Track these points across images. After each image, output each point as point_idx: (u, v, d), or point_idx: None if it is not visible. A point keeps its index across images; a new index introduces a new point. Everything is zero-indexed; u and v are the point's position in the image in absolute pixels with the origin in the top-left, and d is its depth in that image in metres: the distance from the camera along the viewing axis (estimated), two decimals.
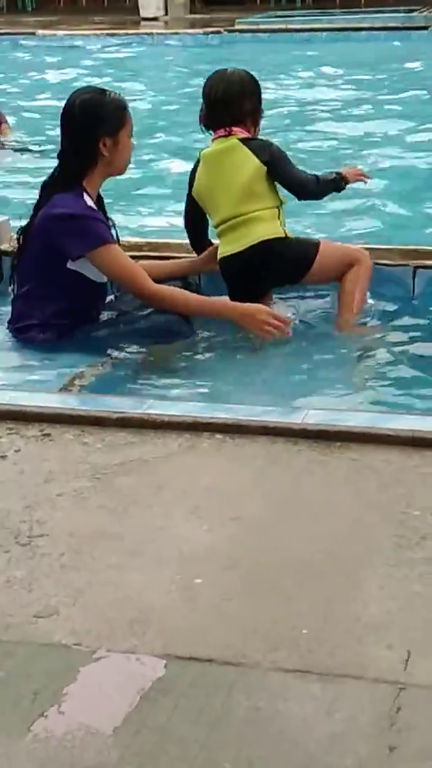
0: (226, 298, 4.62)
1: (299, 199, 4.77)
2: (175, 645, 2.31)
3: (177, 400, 3.82)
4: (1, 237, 5.20)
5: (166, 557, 2.64)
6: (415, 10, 18.05)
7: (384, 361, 4.38)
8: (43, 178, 4.54)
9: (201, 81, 4.85)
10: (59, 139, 4.48)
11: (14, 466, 3.12)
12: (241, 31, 17.24)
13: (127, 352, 4.41)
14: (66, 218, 4.30)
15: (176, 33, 17.55)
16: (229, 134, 4.65)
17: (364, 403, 3.94)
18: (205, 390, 4.11)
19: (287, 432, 3.23)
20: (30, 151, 8.89)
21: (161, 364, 4.37)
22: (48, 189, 4.41)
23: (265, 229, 4.61)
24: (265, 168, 4.60)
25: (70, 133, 4.40)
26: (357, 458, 3.10)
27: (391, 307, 4.77)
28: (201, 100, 4.77)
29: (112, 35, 17.31)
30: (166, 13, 19.60)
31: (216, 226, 4.73)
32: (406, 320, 4.67)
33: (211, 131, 4.72)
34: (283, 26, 17.30)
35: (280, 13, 18.98)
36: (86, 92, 4.49)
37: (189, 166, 4.89)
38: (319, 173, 4.76)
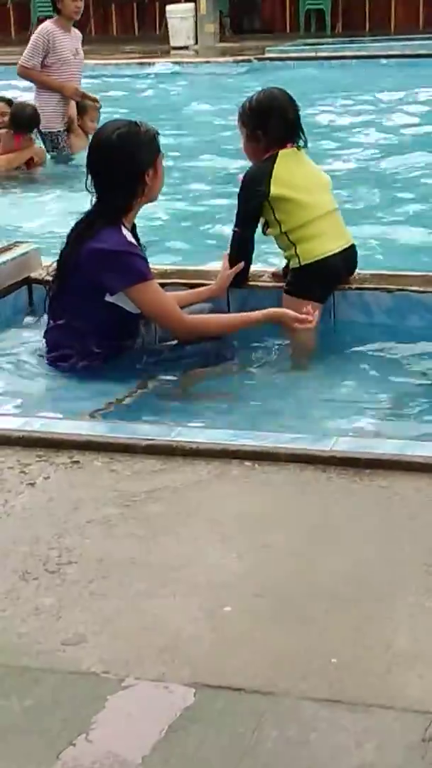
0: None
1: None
2: (204, 673, 2.30)
3: (205, 428, 3.82)
4: (32, 265, 5.23)
5: (194, 585, 2.63)
6: None
7: (414, 387, 4.36)
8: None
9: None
10: (90, 172, 4.47)
11: (43, 494, 3.13)
12: (271, 59, 17.33)
13: (160, 379, 4.43)
14: (109, 254, 4.33)
15: (207, 61, 17.66)
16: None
17: (393, 430, 3.93)
18: (234, 417, 4.11)
19: (316, 459, 3.22)
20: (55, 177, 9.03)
21: (193, 390, 4.37)
22: (89, 222, 4.41)
23: (347, 232, 4.94)
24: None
25: (112, 168, 4.38)
26: (386, 486, 3.09)
27: (420, 333, 4.75)
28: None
29: (142, 64, 17.44)
30: (196, 42, 19.74)
31: (301, 225, 4.77)
32: None
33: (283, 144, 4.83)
34: (312, 54, 17.38)
35: (309, 41, 19.08)
36: (121, 126, 4.47)
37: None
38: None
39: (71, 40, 9.42)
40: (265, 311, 4.53)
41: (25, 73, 9.44)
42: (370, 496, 3.05)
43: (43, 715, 2.19)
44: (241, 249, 4.89)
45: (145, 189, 4.42)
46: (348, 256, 4.87)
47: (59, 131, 9.43)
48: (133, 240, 4.45)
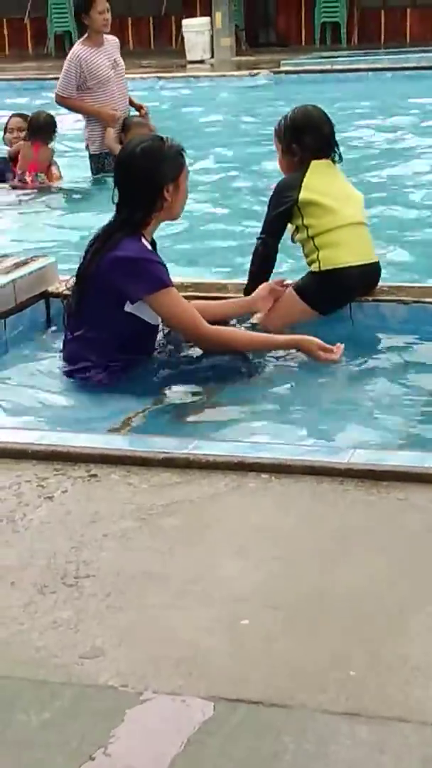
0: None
1: None
2: (222, 686, 2.30)
3: (222, 440, 3.82)
4: (49, 279, 5.25)
5: (212, 597, 2.63)
6: None
7: (429, 399, 4.35)
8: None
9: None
10: (116, 185, 4.51)
11: (61, 507, 3.13)
12: (286, 72, 17.37)
13: (179, 391, 4.43)
14: (128, 261, 4.36)
15: (223, 75, 17.71)
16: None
17: (410, 442, 3.92)
18: (251, 429, 4.11)
19: (333, 471, 3.22)
20: (69, 192, 9.02)
21: (210, 402, 4.38)
22: (109, 235, 4.44)
23: (374, 249, 5.02)
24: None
25: (133, 181, 4.44)
26: (403, 498, 3.08)
27: None
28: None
29: (159, 78, 17.50)
30: (212, 56, 19.80)
31: (328, 231, 4.84)
32: None
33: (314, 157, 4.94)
34: (328, 66, 17.41)
35: (325, 54, 19.11)
36: (145, 140, 4.55)
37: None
38: None
39: (106, 55, 8.96)
40: (292, 336, 4.54)
41: (62, 102, 9.11)
42: (387, 508, 3.04)
43: (62, 729, 2.20)
44: (263, 257, 4.95)
45: (164, 204, 4.44)
46: (368, 273, 4.88)
47: (107, 153, 9.00)
48: (152, 250, 4.48)
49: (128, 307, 4.41)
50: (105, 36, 8.99)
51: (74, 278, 4.56)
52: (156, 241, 4.61)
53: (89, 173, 9.32)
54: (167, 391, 4.43)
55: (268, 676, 2.33)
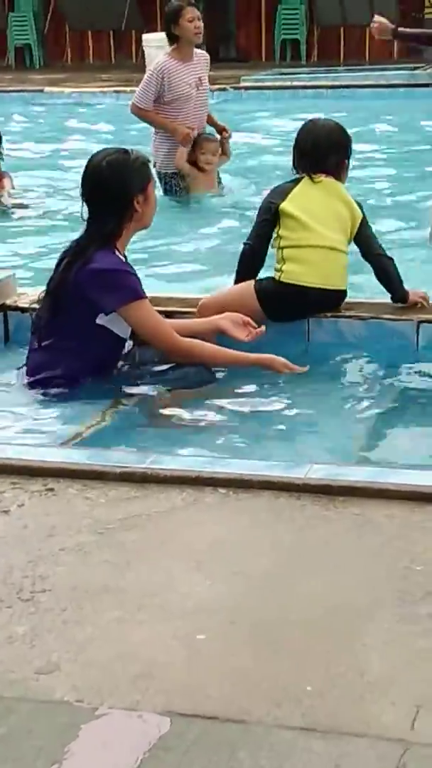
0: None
1: (376, 264, 4.96)
2: (178, 701, 2.30)
3: (180, 455, 3.82)
4: (8, 292, 5.23)
5: (169, 612, 2.63)
6: (419, 68, 18.26)
7: (387, 415, 4.38)
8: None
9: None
10: (84, 200, 4.51)
11: (18, 521, 3.12)
12: (246, 88, 17.42)
13: (139, 405, 4.43)
14: (102, 273, 4.38)
15: None
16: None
17: (367, 458, 3.94)
18: (210, 443, 4.11)
19: (290, 487, 3.23)
20: (24, 207, 8.86)
21: (169, 415, 4.38)
22: (82, 248, 4.45)
23: (343, 277, 4.94)
24: (360, 220, 4.91)
25: (102, 194, 4.46)
26: (360, 513, 3.10)
27: (394, 361, 4.77)
28: None
29: (119, 92, 17.50)
30: None
31: (296, 246, 4.87)
32: (410, 375, 4.68)
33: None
34: (288, 83, 17.48)
35: (285, 70, 19.20)
36: (111, 153, 4.56)
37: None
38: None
39: (192, 71, 8.34)
40: (258, 356, 4.55)
41: (137, 113, 8.49)
42: (344, 523, 3.06)
43: (17, 745, 2.18)
44: (246, 263, 4.99)
45: (135, 215, 4.47)
46: (327, 297, 4.88)
47: (173, 173, 8.47)
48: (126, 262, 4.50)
49: (100, 320, 4.42)
50: (196, 51, 8.48)
51: (44, 291, 4.56)
52: (126, 254, 4.61)
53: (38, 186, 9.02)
54: (126, 405, 4.42)
55: (225, 692, 2.33)
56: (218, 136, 8.63)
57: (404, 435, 4.18)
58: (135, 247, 5.08)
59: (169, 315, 4.80)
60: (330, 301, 4.90)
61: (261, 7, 22.05)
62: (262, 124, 13.54)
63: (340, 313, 4.93)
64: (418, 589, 2.69)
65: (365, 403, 4.48)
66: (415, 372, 4.70)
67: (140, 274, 4.59)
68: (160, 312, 4.78)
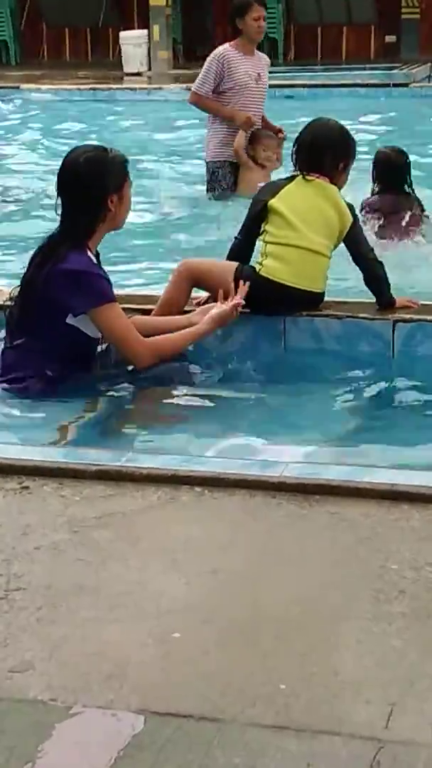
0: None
1: (365, 269, 4.95)
2: (153, 700, 2.30)
3: (156, 453, 3.82)
4: None
5: (143, 611, 2.62)
6: (396, 68, 18.32)
7: (363, 414, 4.39)
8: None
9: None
10: (57, 196, 4.50)
11: None
12: None
13: (114, 404, 4.43)
14: (73, 274, 4.36)
15: (159, 88, 17.72)
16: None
17: (342, 456, 3.95)
18: (186, 442, 4.11)
19: (266, 485, 3.24)
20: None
21: (145, 414, 4.38)
22: (54, 246, 4.43)
23: (322, 280, 4.92)
24: (350, 224, 4.90)
25: (76, 191, 4.44)
26: (335, 512, 3.10)
27: (370, 360, 4.78)
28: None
29: (95, 90, 17.47)
30: (150, 68, 19.81)
31: (279, 243, 4.87)
32: (385, 374, 4.69)
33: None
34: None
35: None
36: (89, 150, 4.56)
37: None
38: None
39: (253, 65, 8.24)
40: (206, 321, 4.59)
41: (195, 101, 8.30)
42: (319, 521, 3.06)
43: None
44: (233, 258, 5.01)
45: (108, 214, 4.45)
46: (303, 298, 4.87)
47: (223, 162, 8.22)
48: (96, 263, 4.48)
49: (70, 320, 4.42)
50: (257, 52, 8.45)
51: (17, 288, 4.54)
52: (99, 252, 4.60)
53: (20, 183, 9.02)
54: (102, 403, 4.42)
55: (199, 690, 2.33)
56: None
57: (380, 434, 4.19)
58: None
59: (146, 313, 4.81)
60: (305, 302, 4.90)
61: None
62: None
63: (317, 311, 4.93)
64: (393, 588, 2.70)
65: (341, 402, 4.49)
66: (391, 371, 4.71)
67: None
68: (137, 311, 4.79)
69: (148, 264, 6.81)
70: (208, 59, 8.23)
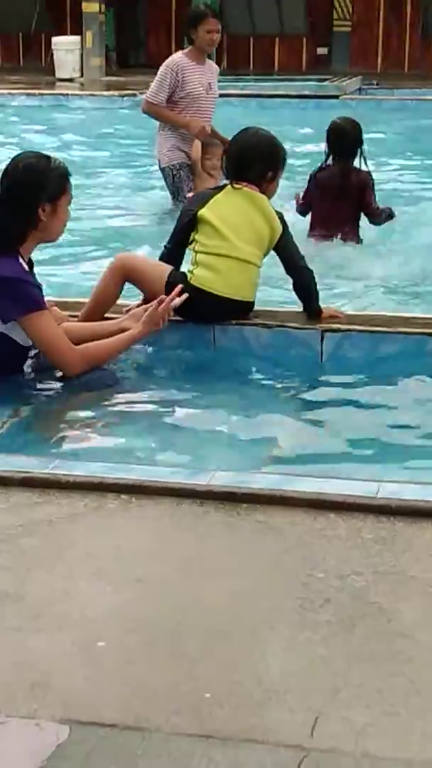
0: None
1: (295, 277, 5.00)
2: (77, 709, 2.28)
3: (83, 460, 3.79)
4: None
5: (68, 619, 2.60)
6: (327, 80, 18.47)
7: (291, 423, 4.40)
8: None
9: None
10: None
11: None
12: None
13: (42, 410, 4.40)
14: (3, 281, 4.33)
15: (92, 95, 17.68)
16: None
17: (270, 465, 3.96)
18: (113, 449, 4.09)
19: (193, 493, 3.23)
20: None
21: (73, 420, 4.35)
22: None
23: (251, 288, 4.94)
24: (280, 233, 4.91)
25: (10, 196, 4.42)
26: (263, 520, 3.11)
27: (299, 370, 4.81)
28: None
29: (27, 95, 17.37)
30: (82, 75, 19.76)
31: (209, 253, 4.89)
32: (314, 383, 4.71)
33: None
34: None
35: None
36: (31, 157, 4.53)
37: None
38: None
39: (204, 74, 8.28)
40: (139, 325, 4.59)
41: (149, 109, 8.30)
42: (247, 530, 3.06)
43: None
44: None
45: (40, 223, 4.41)
46: (233, 308, 4.89)
47: (180, 164, 8.29)
48: (27, 270, 4.45)
49: (0, 327, 4.38)
50: (208, 61, 8.45)
51: None
52: (33, 260, 4.58)
53: None
54: (29, 410, 4.39)
55: (124, 699, 2.31)
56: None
57: (307, 443, 4.20)
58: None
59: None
60: (234, 311, 4.92)
61: (171, 13, 22.12)
62: None
63: (246, 320, 4.94)
64: (318, 597, 2.71)
65: (269, 411, 4.50)
66: (319, 380, 4.74)
67: None
68: (72, 316, 4.77)
69: None
70: (162, 68, 8.24)
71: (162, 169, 8.45)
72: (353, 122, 6.98)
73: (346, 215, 6.89)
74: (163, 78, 8.18)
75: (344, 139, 6.86)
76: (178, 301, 4.64)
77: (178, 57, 8.28)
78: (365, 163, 6.86)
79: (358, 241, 6.96)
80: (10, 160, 4.54)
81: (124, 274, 4.96)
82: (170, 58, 8.34)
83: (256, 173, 4.99)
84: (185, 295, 4.66)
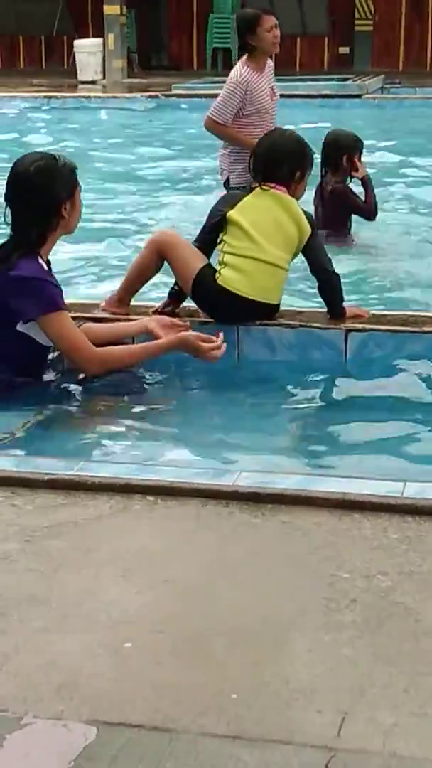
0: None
1: (321, 280, 4.99)
2: (104, 710, 2.29)
3: (108, 462, 3.81)
4: None
5: (94, 621, 2.61)
6: (348, 79, 18.42)
7: (316, 423, 4.40)
8: None
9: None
10: (8, 205, 4.47)
11: None
12: (177, 95, 17.44)
13: (67, 411, 4.41)
14: (23, 281, 4.35)
15: (114, 97, 17.70)
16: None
17: (295, 466, 3.95)
18: (139, 450, 4.10)
19: (218, 494, 3.23)
20: None
21: (98, 422, 4.36)
22: (6, 254, 4.41)
23: (277, 293, 4.95)
24: (309, 235, 4.90)
25: (28, 200, 4.42)
26: (288, 521, 3.11)
27: (323, 369, 4.80)
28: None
29: (50, 98, 17.42)
30: (104, 77, 19.80)
31: (237, 254, 4.90)
32: (338, 383, 4.71)
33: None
34: (219, 91, 17.51)
35: (216, 78, 19.25)
36: (38, 159, 4.53)
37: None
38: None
39: (267, 81, 7.58)
40: (169, 340, 4.55)
41: (213, 128, 7.61)
42: (272, 530, 3.06)
43: None
44: None
45: (61, 221, 4.45)
46: (259, 310, 4.90)
47: (245, 187, 7.17)
48: (48, 270, 4.47)
49: (20, 327, 4.40)
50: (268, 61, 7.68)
51: None
52: (51, 260, 4.59)
53: None
54: (54, 411, 4.40)
55: (151, 700, 2.32)
56: None
57: (333, 443, 4.20)
58: None
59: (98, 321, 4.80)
60: (260, 313, 4.92)
61: (193, 15, 22.12)
62: (193, 132, 13.55)
63: (270, 320, 4.95)
64: (344, 597, 2.71)
65: (294, 412, 4.50)
66: (343, 380, 4.73)
67: None
68: (89, 319, 4.77)
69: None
70: (230, 85, 7.51)
71: (228, 187, 7.64)
72: (348, 134, 7.04)
73: (336, 222, 6.94)
74: (231, 97, 7.48)
75: (339, 151, 6.96)
76: (218, 353, 4.55)
77: (244, 72, 7.49)
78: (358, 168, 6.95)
79: (352, 243, 6.99)
80: (14, 164, 4.53)
81: (159, 250, 4.99)
82: (236, 73, 7.50)
83: (284, 174, 5.00)
84: (224, 348, 4.57)
